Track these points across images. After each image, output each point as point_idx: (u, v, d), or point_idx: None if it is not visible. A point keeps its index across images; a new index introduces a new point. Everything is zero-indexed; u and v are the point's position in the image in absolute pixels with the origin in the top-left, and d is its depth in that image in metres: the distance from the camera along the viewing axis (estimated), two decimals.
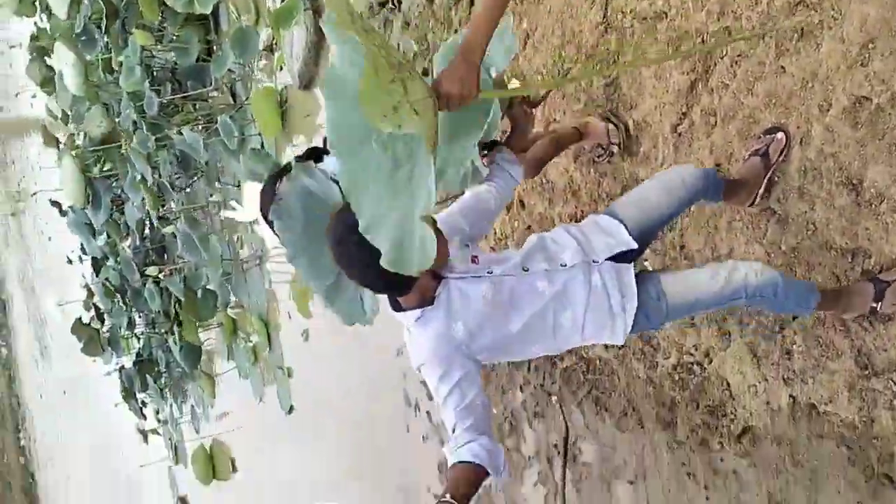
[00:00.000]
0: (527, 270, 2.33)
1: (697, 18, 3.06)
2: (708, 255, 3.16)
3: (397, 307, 2.31)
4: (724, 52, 2.98)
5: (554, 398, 4.10)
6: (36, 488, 21.19)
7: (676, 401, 3.39)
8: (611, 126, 3.46)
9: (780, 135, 2.77)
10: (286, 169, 2.40)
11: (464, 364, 2.23)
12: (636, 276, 2.43)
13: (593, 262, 2.38)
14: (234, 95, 7.47)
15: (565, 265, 2.35)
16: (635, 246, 2.43)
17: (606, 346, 3.72)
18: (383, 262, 1.87)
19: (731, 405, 3.15)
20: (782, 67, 2.77)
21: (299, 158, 2.49)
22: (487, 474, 2.12)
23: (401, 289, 2.21)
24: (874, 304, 2.50)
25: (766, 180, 2.82)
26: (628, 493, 3.64)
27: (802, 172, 2.75)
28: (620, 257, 2.42)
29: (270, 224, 2.39)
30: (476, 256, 2.35)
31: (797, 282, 2.57)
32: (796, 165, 2.76)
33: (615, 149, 3.48)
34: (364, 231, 1.89)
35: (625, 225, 2.47)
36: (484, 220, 2.51)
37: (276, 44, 6.49)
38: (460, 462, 2.12)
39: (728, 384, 3.16)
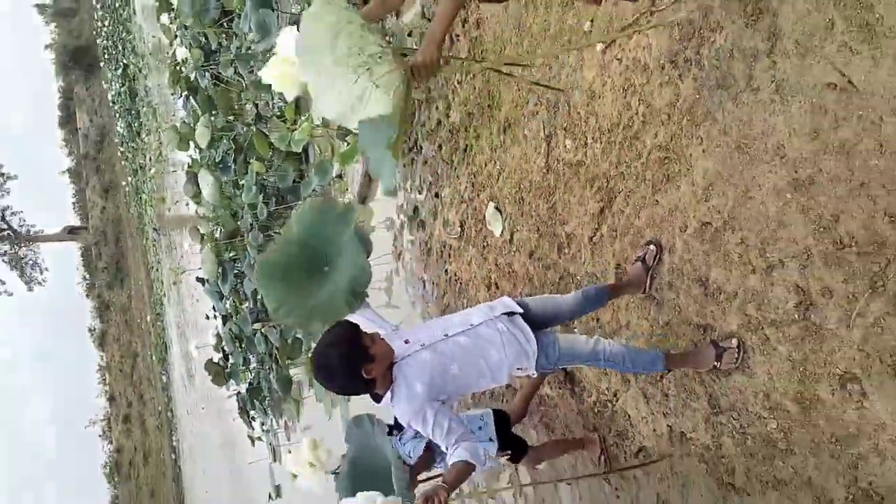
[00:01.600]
0: (447, 336, 2.45)
1: (603, 166, 3.24)
2: (615, 326, 3.26)
3: (378, 399, 2.40)
4: (621, 190, 3.14)
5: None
6: (182, 476, 21.32)
7: (597, 426, 3.45)
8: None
9: (653, 247, 2.89)
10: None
11: (432, 407, 2.32)
12: (541, 331, 2.56)
13: (495, 317, 2.51)
14: None
15: (473, 325, 2.48)
16: (520, 311, 2.56)
17: (551, 387, 3.80)
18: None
19: (632, 431, 3.20)
20: (656, 200, 2.92)
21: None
22: (473, 469, 2.23)
23: (369, 384, 2.33)
24: (715, 363, 2.58)
25: (648, 278, 2.95)
26: (567, 492, 3.67)
27: (670, 272, 2.87)
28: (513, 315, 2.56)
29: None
30: (407, 340, 2.43)
31: (644, 354, 2.66)
32: (667, 267, 2.88)
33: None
34: None
35: (527, 308, 2.59)
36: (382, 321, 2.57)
37: (343, 172, 6.79)
38: (453, 463, 2.25)
39: (629, 416, 3.21)
